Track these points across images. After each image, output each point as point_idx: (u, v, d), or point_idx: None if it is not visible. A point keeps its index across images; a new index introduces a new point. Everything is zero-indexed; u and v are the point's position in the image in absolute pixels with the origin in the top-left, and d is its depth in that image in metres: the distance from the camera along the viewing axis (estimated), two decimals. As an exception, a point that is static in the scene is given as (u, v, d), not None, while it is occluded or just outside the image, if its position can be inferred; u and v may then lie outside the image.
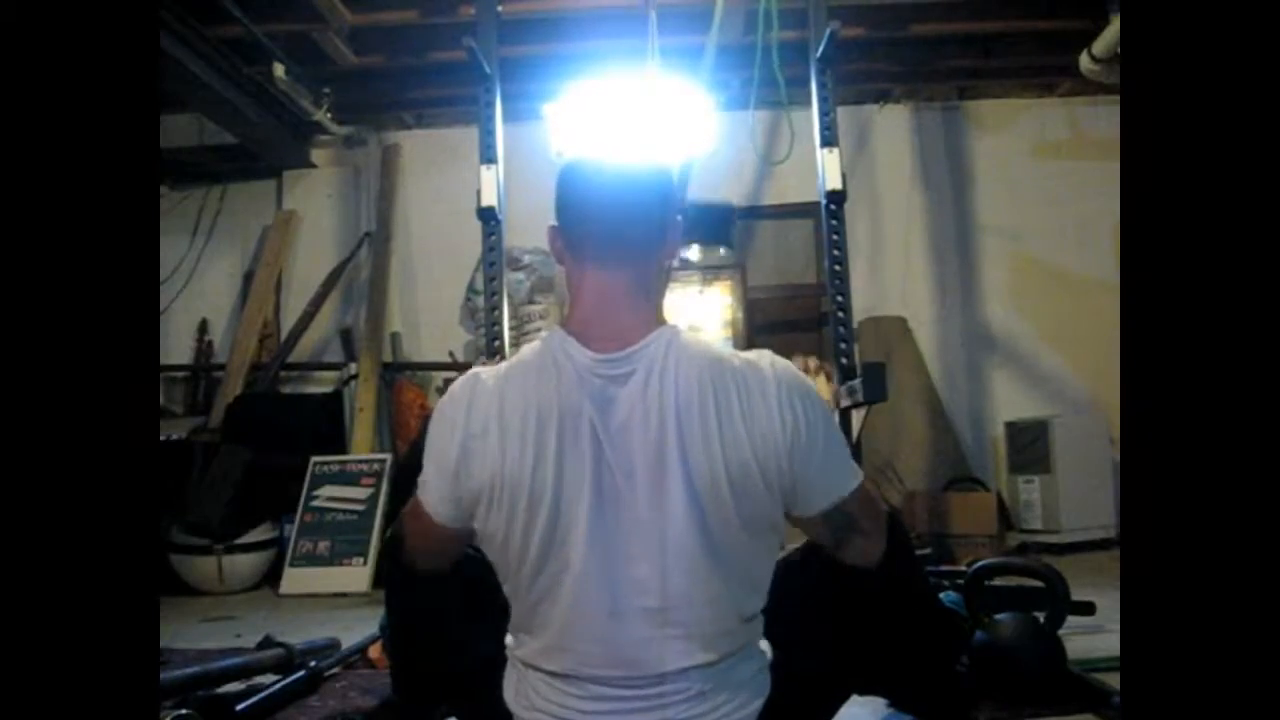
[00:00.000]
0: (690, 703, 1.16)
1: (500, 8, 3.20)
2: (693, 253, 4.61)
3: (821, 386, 1.99)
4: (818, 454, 1.15)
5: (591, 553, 1.13)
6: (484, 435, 1.14)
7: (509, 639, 1.28)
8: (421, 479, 1.23)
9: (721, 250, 4.74)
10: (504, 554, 1.19)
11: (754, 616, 1.23)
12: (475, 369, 1.23)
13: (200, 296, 5.15)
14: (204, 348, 5.09)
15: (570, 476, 1.13)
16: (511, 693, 1.27)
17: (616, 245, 1.21)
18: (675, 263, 1.31)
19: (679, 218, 1.28)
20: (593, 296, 1.21)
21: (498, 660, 1.34)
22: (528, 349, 1.22)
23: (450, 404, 1.20)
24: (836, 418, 1.76)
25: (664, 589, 1.13)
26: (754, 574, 1.21)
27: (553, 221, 1.28)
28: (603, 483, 1.13)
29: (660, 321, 1.21)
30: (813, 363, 2.10)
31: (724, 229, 4.65)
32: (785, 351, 1.40)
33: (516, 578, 1.19)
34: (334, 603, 3.76)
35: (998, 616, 1.90)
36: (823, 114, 2.91)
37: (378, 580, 3.96)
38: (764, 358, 1.18)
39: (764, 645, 1.29)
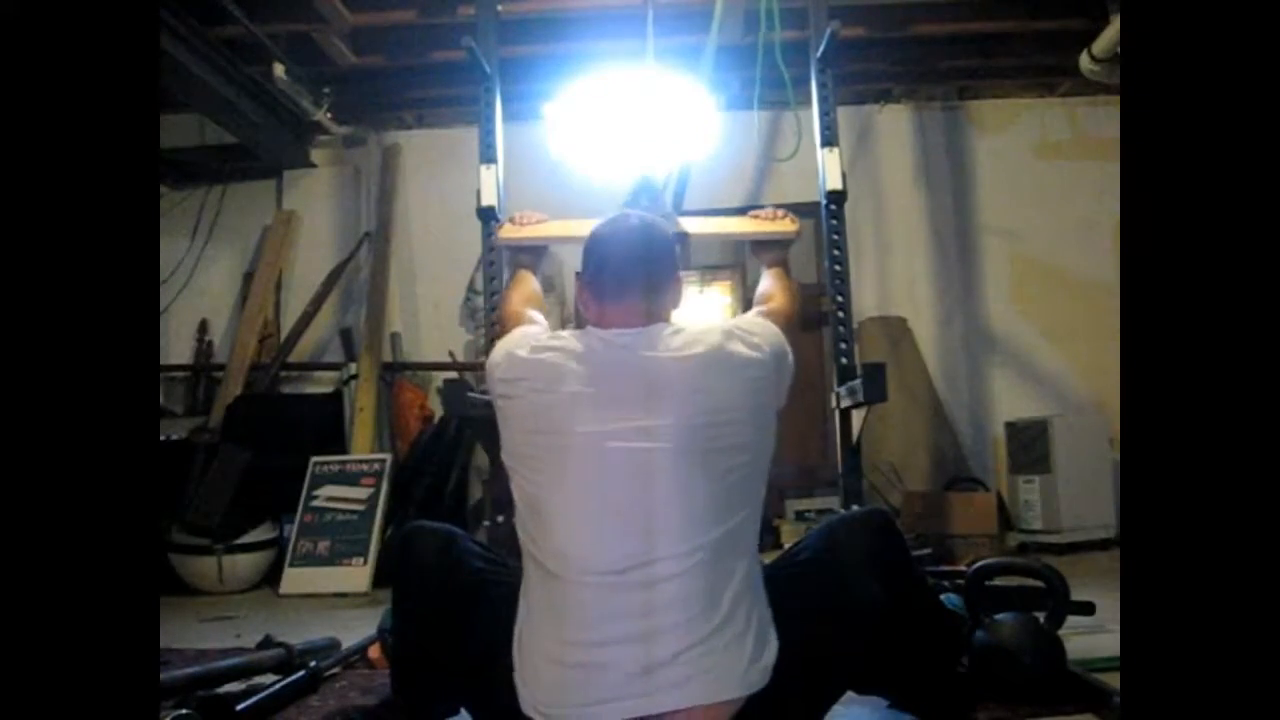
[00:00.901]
0: (676, 582, 1.27)
1: (500, 8, 3.19)
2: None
3: (786, 224, 2.11)
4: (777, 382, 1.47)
5: (590, 464, 1.33)
6: (540, 353, 1.44)
7: (519, 528, 1.41)
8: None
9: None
10: (523, 437, 1.41)
11: (738, 535, 1.34)
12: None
13: (200, 296, 5.14)
14: (204, 348, 5.09)
15: (583, 403, 1.36)
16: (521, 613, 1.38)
17: (630, 286, 1.47)
18: (677, 309, 1.54)
19: (679, 274, 1.55)
20: (611, 318, 1.47)
21: (498, 657, 1.35)
22: (555, 334, 1.52)
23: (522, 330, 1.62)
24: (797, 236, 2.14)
25: (648, 495, 1.30)
26: (729, 488, 1.35)
27: (577, 270, 1.58)
28: (608, 414, 1.34)
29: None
30: (768, 210, 2.21)
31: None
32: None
33: (531, 476, 1.39)
34: (334, 603, 3.76)
35: (998, 616, 1.90)
36: (823, 114, 2.91)
37: (378, 580, 3.96)
38: (747, 334, 1.45)
39: (764, 611, 1.34)
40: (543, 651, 1.31)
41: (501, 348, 1.54)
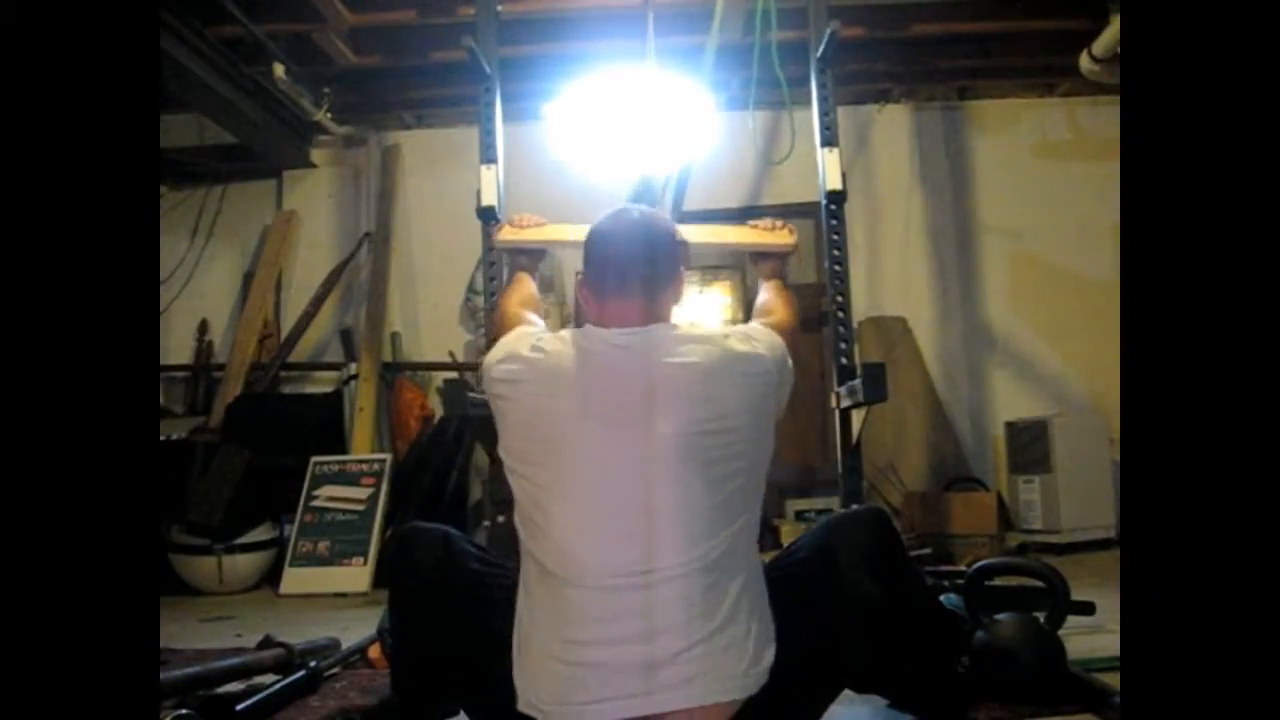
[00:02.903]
0: (677, 584, 1.26)
1: (500, 8, 3.19)
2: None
3: (785, 236, 2.11)
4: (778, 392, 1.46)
5: (591, 466, 1.32)
6: (538, 353, 1.43)
7: (518, 529, 1.40)
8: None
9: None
10: (522, 439, 1.40)
11: (738, 541, 1.33)
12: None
13: (200, 296, 5.14)
14: (204, 348, 5.09)
15: (583, 407, 1.35)
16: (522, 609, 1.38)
17: (631, 289, 1.45)
18: (679, 307, 1.53)
19: (682, 270, 1.53)
20: (612, 315, 1.45)
21: (498, 657, 1.35)
22: (555, 334, 1.49)
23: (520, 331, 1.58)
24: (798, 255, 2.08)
25: (649, 502, 1.29)
26: (729, 495, 1.33)
27: (578, 269, 1.56)
28: (608, 418, 1.34)
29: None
30: (766, 221, 2.21)
31: None
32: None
33: (530, 476, 1.37)
34: (334, 603, 3.76)
35: (998, 616, 1.90)
36: (823, 114, 2.91)
37: (378, 580, 3.95)
38: (750, 340, 1.45)
39: (764, 613, 1.34)
40: (543, 649, 1.31)
41: (500, 348, 1.52)
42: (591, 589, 1.28)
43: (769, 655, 1.30)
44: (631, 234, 1.50)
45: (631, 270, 1.46)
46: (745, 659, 1.26)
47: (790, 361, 1.51)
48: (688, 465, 1.31)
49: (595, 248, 1.51)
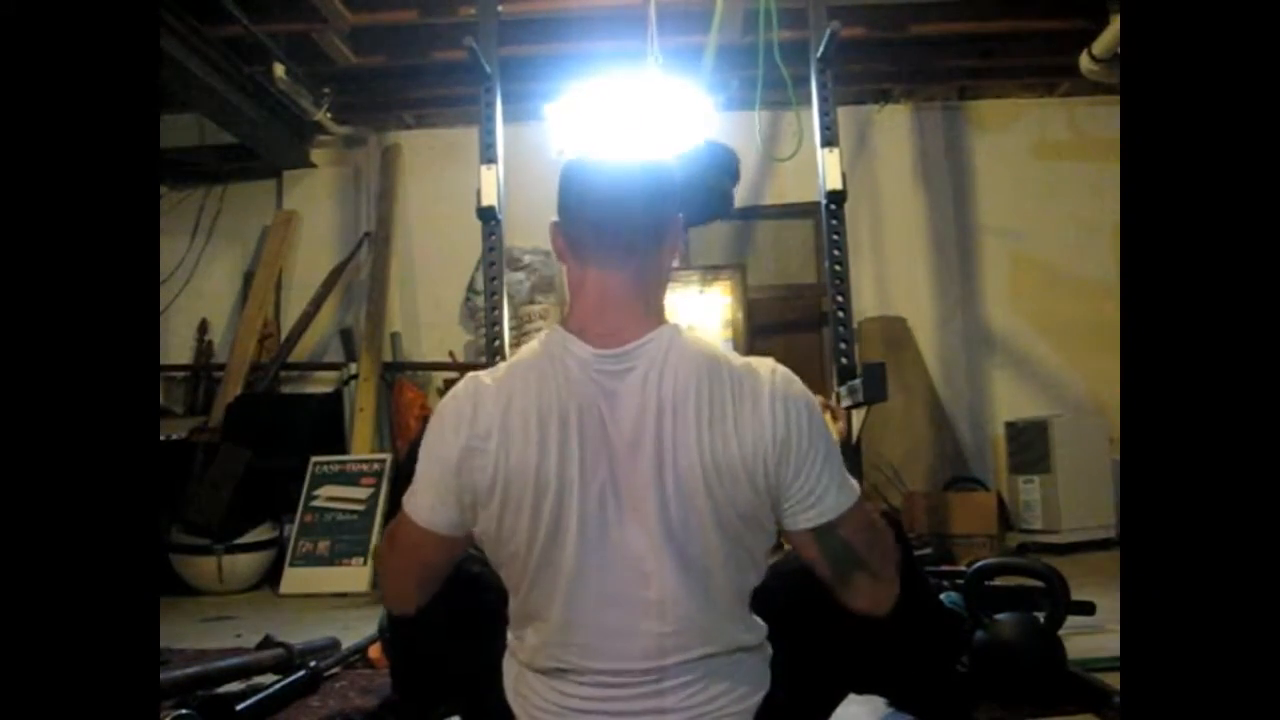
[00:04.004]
0: (688, 691, 1.15)
1: (500, 8, 3.20)
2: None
3: (829, 425, 2.00)
4: (807, 464, 1.14)
5: (590, 545, 1.13)
6: (488, 436, 1.13)
7: (510, 637, 1.28)
8: (410, 491, 1.22)
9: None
10: (505, 549, 1.18)
11: (750, 612, 1.22)
12: (474, 374, 1.22)
13: (200, 296, 5.15)
14: (204, 348, 5.09)
15: (571, 471, 1.12)
16: (511, 691, 1.27)
17: (616, 242, 1.19)
18: (676, 262, 1.31)
19: (680, 215, 1.26)
20: (594, 296, 1.20)
21: (498, 659, 1.35)
22: (526, 349, 1.21)
23: (453, 404, 1.18)
24: (838, 443, 1.75)
25: (661, 580, 1.12)
26: (748, 569, 1.19)
27: (554, 218, 1.26)
28: (601, 475, 1.13)
29: (662, 320, 1.20)
30: (819, 399, 2.08)
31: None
32: (786, 352, 1.41)
33: (519, 574, 1.18)
34: (334, 603, 3.76)
35: (998, 616, 1.90)
36: (823, 114, 2.91)
37: (377, 580, 3.96)
38: (765, 365, 1.17)
39: (763, 640, 1.29)
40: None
41: (463, 391, 1.19)
42: (594, 686, 1.17)
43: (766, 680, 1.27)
44: (628, 175, 1.21)
45: (617, 228, 1.19)
46: (753, 675, 1.23)
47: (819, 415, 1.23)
48: (701, 539, 1.13)
49: (573, 194, 1.22)
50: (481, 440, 1.14)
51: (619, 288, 1.19)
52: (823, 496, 1.15)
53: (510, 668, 1.28)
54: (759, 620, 1.24)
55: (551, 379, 1.15)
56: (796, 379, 1.18)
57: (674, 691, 1.15)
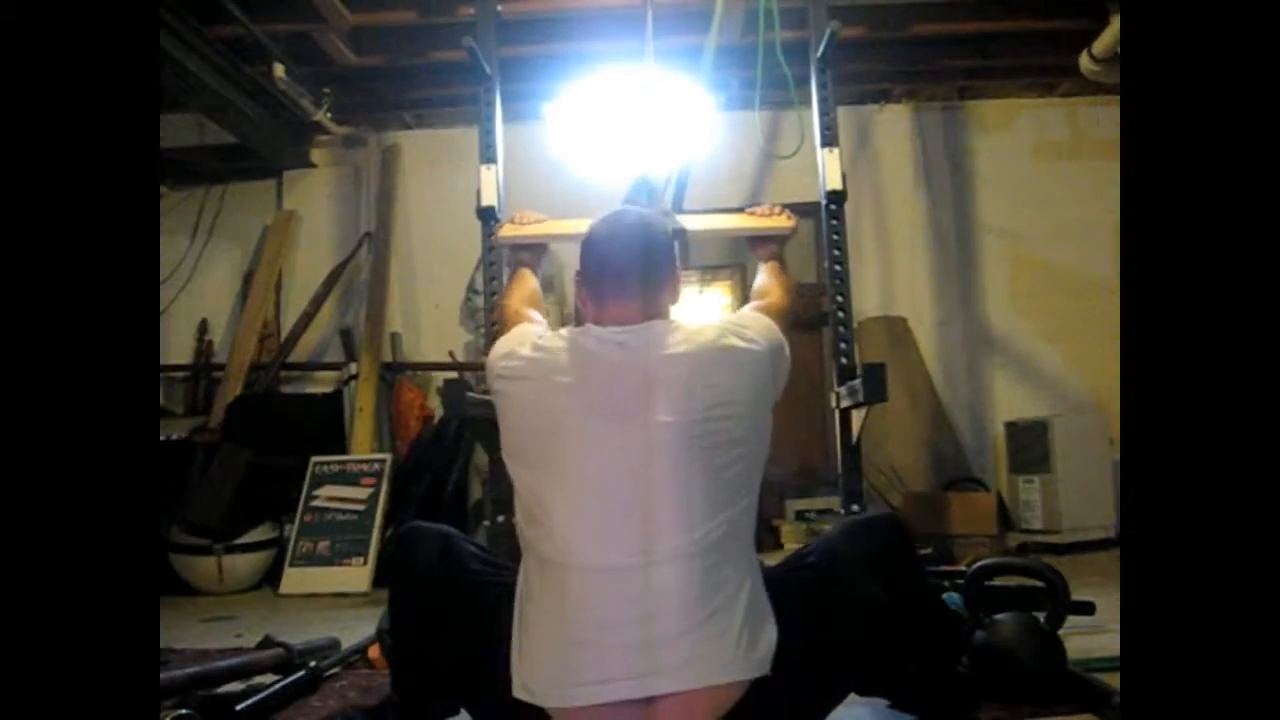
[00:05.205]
0: (676, 565, 1.28)
1: (500, 8, 3.19)
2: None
3: (783, 220, 2.13)
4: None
5: (590, 458, 1.34)
6: (540, 350, 1.45)
7: (519, 524, 1.42)
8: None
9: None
10: (516, 439, 1.43)
11: (737, 526, 1.35)
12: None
13: (200, 296, 5.14)
14: (204, 348, 5.09)
15: (583, 401, 1.37)
16: (520, 594, 1.39)
17: (629, 284, 1.47)
18: (676, 298, 1.57)
19: (679, 270, 1.56)
20: (610, 317, 1.47)
21: (498, 657, 1.36)
22: (555, 332, 1.51)
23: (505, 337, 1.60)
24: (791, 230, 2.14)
25: (648, 492, 1.31)
26: (727, 482, 1.35)
27: (576, 277, 1.57)
28: (608, 410, 1.36)
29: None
30: (767, 206, 2.23)
31: None
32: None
33: (528, 466, 1.40)
34: (334, 603, 3.76)
35: (998, 616, 1.90)
36: (823, 114, 2.91)
37: (378, 580, 3.96)
38: (744, 328, 1.47)
39: (762, 599, 1.35)
40: (543, 637, 1.31)
41: (502, 344, 1.55)
42: (591, 572, 1.30)
43: (766, 642, 1.30)
44: (628, 237, 1.52)
45: (629, 273, 1.48)
46: (742, 643, 1.27)
47: (786, 347, 1.53)
48: (688, 452, 1.33)
49: (592, 251, 1.53)
50: (523, 351, 1.47)
51: (632, 306, 1.47)
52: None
53: (520, 571, 1.42)
54: (755, 558, 1.38)
55: (577, 340, 1.44)
56: (766, 328, 1.52)
57: (662, 561, 1.28)
